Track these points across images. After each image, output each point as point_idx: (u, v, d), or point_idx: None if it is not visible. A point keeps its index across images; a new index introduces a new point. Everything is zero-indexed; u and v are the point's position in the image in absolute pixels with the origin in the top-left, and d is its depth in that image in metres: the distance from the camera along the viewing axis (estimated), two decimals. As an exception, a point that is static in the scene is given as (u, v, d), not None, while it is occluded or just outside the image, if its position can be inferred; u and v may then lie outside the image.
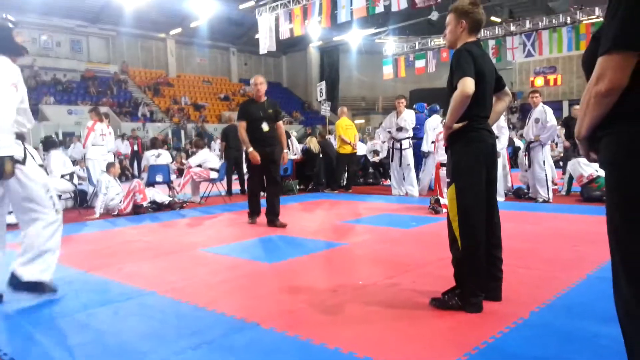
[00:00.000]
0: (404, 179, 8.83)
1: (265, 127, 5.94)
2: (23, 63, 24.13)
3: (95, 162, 8.47)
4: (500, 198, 6.37)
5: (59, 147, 8.64)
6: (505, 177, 7.96)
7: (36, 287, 3.22)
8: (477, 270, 2.79)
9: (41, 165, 3.42)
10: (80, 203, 8.22)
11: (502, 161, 7.58)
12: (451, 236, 2.88)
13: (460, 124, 2.80)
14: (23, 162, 3.16)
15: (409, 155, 8.65)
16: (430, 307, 2.88)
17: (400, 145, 8.65)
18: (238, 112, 6.22)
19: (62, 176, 7.50)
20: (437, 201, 6.57)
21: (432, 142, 8.76)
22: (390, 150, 9.06)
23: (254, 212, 6.32)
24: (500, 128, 7.26)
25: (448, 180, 2.96)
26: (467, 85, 2.67)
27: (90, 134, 8.57)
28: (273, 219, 6.01)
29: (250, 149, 5.92)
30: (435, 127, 8.86)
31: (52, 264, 3.29)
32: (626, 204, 1.46)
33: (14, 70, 3.14)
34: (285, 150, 6.19)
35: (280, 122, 6.20)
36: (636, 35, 1.36)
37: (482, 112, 2.85)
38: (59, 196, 7.53)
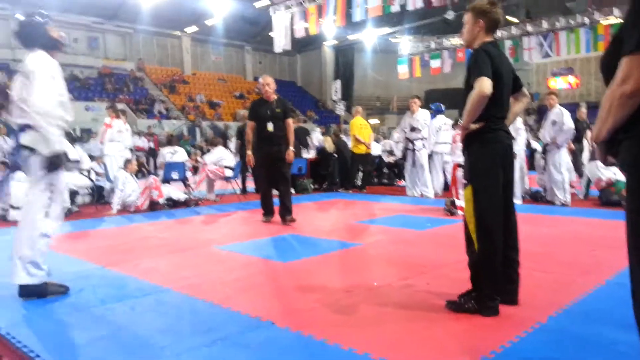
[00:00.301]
0: (418, 179, 8.78)
1: (270, 126, 5.99)
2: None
3: (113, 159, 8.58)
4: (517, 201, 6.30)
5: (77, 143, 8.76)
6: (522, 180, 7.90)
7: (35, 292, 3.20)
8: (493, 273, 2.76)
9: (77, 161, 3.42)
10: (97, 199, 8.32)
11: (519, 163, 7.52)
12: (467, 238, 2.85)
13: (477, 125, 2.77)
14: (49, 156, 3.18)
15: (422, 155, 8.59)
16: (445, 309, 2.86)
17: (413, 145, 8.60)
18: (249, 112, 6.35)
19: (80, 172, 7.59)
20: (453, 203, 6.52)
21: (440, 143, 8.71)
22: (404, 150, 9.03)
23: (267, 212, 6.34)
24: (517, 129, 7.19)
25: (465, 181, 2.94)
26: (485, 85, 2.64)
27: (107, 130, 8.68)
28: (284, 215, 6.10)
29: (249, 152, 6.17)
30: (438, 127, 8.79)
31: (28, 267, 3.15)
32: None
33: (52, 63, 3.24)
34: (291, 148, 6.15)
35: (290, 120, 6.21)
36: None
37: (499, 113, 2.82)
38: (76, 192, 7.68)
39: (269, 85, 6.09)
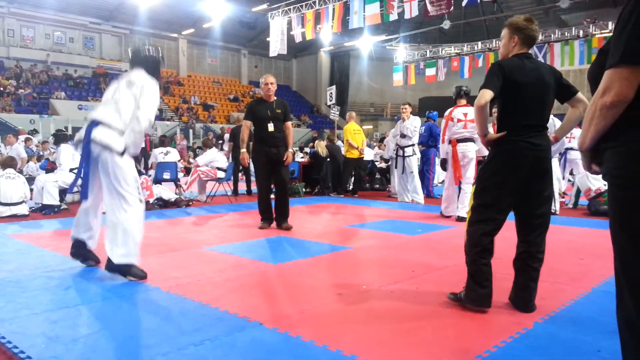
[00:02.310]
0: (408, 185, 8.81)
1: (270, 127, 5.83)
2: (36, 57, 24.11)
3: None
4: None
5: (69, 141, 8.70)
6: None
7: (124, 270, 3.58)
8: (471, 263, 2.90)
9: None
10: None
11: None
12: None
13: (498, 135, 2.87)
14: (122, 154, 3.58)
15: (412, 162, 8.62)
16: (433, 314, 2.88)
17: (404, 152, 8.63)
18: (245, 111, 6.19)
19: (71, 170, 7.55)
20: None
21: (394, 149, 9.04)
22: (395, 157, 9.05)
23: (265, 218, 6.06)
24: None
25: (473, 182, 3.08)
26: (481, 96, 2.81)
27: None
28: (280, 221, 5.94)
29: (242, 150, 6.07)
30: (396, 134, 8.92)
31: (136, 248, 3.61)
32: (629, 216, 1.47)
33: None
34: (290, 150, 6.01)
35: (289, 123, 6.07)
36: None
37: (523, 121, 2.85)
38: (65, 190, 7.63)
39: (272, 84, 5.93)
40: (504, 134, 2.85)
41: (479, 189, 2.96)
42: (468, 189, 6.42)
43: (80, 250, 3.93)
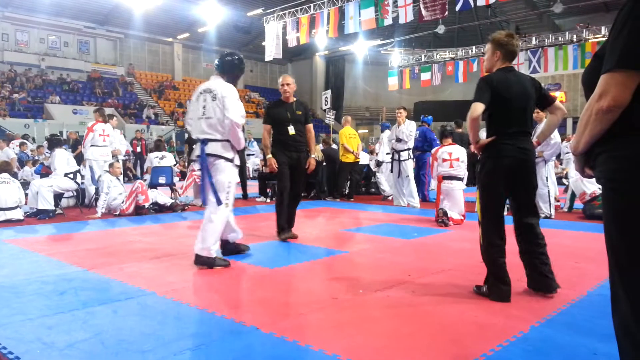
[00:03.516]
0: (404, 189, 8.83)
1: (291, 130, 5.42)
2: (31, 62, 24.08)
3: (94, 162, 8.49)
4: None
5: (64, 145, 8.67)
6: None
7: (210, 262, 4.15)
8: (491, 263, 3.20)
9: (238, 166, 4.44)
10: (81, 202, 8.24)
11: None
12: None
13: (488, 139, 3.17)
14: (232, 160, 4.26)
15: (408, 166, 8.64)
16: (429, 317, 2.89)
17: (399, 156, 8.65)
18: (264, 115, 5.84)
19: (66, 174, 7.52)
20: (446, 214, 6.44)
21: (389, 154, 9.32)
22: (391, 161, 9.07)
23: (283, 227, 5.52)
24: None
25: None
26: (473, 109, 3.11)
27: (89, 134, 8.58)
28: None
29: (269, 156, 5.48)
30: (392, 138, 9.00)
31: (216, 243, 4.25)
32: (623, 220, 1.48)
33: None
34: (313, 156, 5.62)
35: (311, 126, 5.65)
36: None
37: (509, 129, 3.15)
38: (62, 194, 7.61)
39: (288, 85, 5.50)
40: (493, 138, 3.15)
41: (481, 192, 3.24)
42: (453, 215, 6.55)
43: (227, 247, 4.60)
